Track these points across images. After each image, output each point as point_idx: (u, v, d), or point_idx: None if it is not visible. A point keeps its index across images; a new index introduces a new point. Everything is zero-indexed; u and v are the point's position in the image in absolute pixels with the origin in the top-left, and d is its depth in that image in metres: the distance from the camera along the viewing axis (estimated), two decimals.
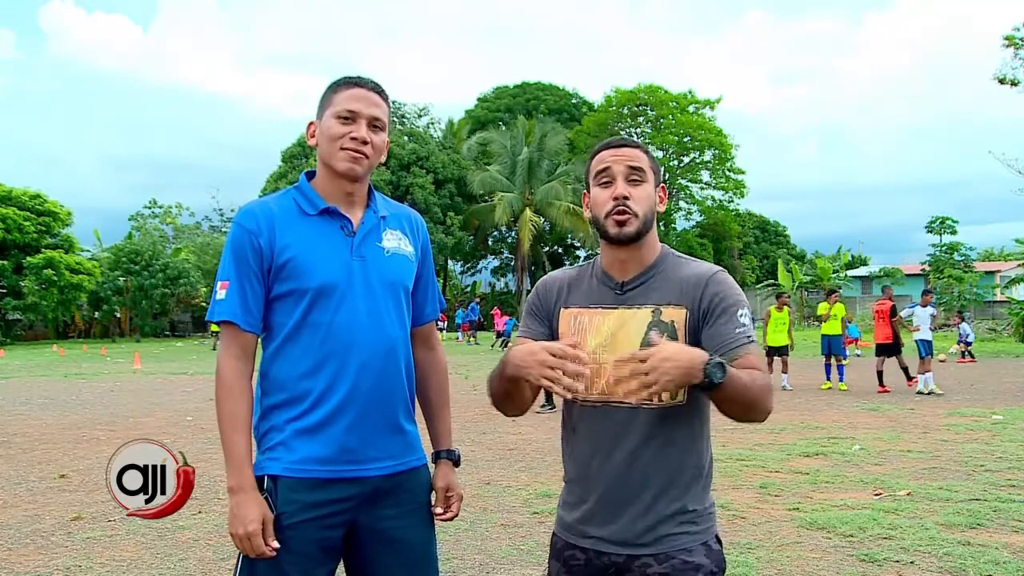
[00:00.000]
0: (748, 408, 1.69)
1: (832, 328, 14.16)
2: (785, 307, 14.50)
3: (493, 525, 5.12)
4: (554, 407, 10.41)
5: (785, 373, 14.13)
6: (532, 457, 7.54)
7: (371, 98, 1.94)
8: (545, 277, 2.00)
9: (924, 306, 13.76)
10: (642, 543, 1.77)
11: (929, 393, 12.63)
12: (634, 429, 1.78)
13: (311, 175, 2.02)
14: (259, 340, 1.95)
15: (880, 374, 13.55)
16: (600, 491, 1.80)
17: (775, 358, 14.06)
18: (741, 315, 1.78)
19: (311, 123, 1.99)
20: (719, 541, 1.84)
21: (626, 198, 1.79)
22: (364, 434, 1.89)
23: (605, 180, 1.82)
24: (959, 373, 16.83)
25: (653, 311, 1.80)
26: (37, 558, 4.56)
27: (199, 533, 4.98)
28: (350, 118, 1.91)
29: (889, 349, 13.72)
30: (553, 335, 1.89)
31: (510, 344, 2.01)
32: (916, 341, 13.31)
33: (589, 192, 1.87)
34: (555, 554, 1.90)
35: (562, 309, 1.90)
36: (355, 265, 1.92)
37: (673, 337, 1.77)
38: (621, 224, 1.79)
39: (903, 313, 13.70)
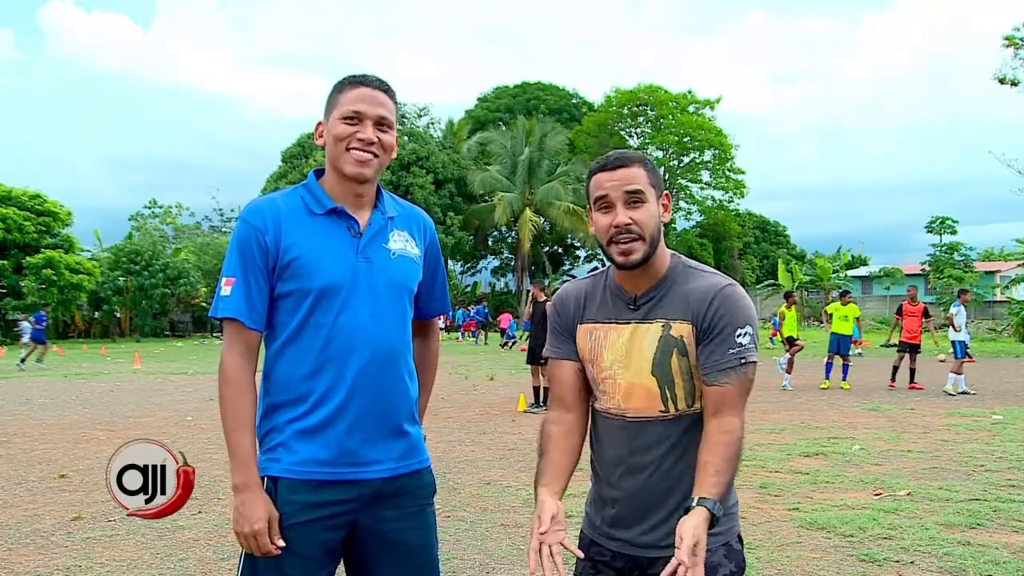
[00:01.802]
0: None
1: (843, 328, 14.26)
2: (794, 306, 15.32)
3: (493, 525, 5.12)
4: (543, 406, 10.47)
5: (788, 373, 14.14)
6: (532, 457, 7.49)
7: (377, 97, 1.92)
8: (559, 292, 2.02)
9: (963, 304, 13.85)
10: (664, 546, 1.78)
11: (961, 393, 12.64)
12: (653, 440, 1.81)
13: (320, 173, 2.00)
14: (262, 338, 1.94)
15: (912, 372, 13.91)
16: (624, 499, 1.84)
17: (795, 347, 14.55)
18: (739, 335, 1.76)
19: (319, 124, 1.98)
20: (740, 540, 1.86)
21: (628, 224, 1.77)
22: (364, 436, 1.88)
23: (604, 206, 1.81)
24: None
25: (663, 326, 1.81)
26: (37, 558, 4.55)
27: (199, 533, 4.97)
28: (356, 119, 1.90)
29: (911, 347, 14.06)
30: (573, 344, 1.93)
31: (547, 367, 2.11)
32: (954, 341, 13.35)
33: (592, 212, 1.86)
34: (581, 547, 1.93)
35: (579, 325, 1.92)
36: (360, 267, 1.91)
37: (683, 351, 1.79)
38: (626, 253, 1.78)
39: (953, 311, 13.76)
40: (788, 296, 15.81)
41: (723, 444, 1.72)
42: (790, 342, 14.59)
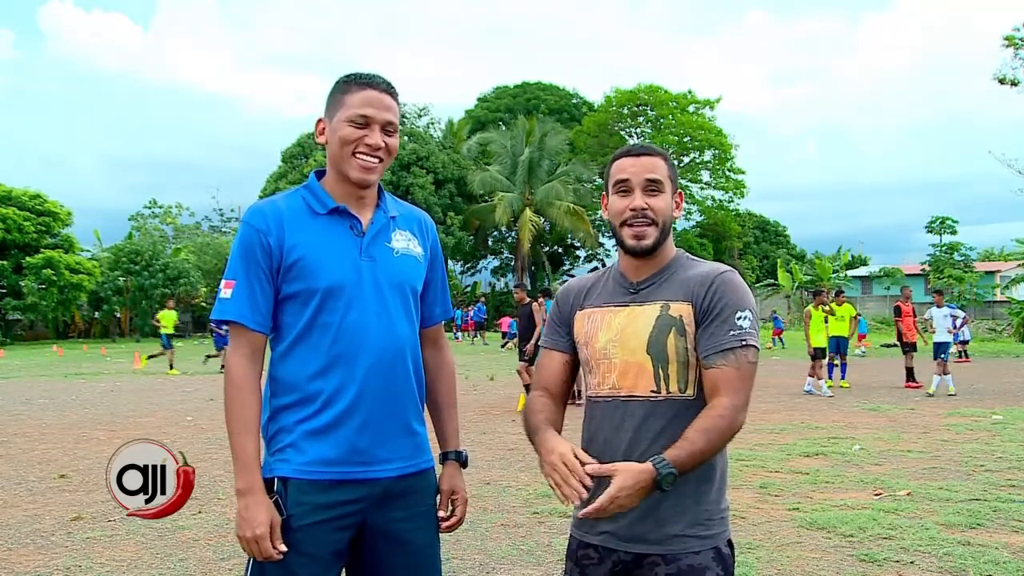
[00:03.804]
0: (711, 457, 1.75)
1: (839, 329, 14.23)
2: (822, 305, 13.86)
3: (493, 525, 5.12)
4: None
5: (819, 378, 13.32)
6: (532, 457, 7.48)
7: (384, 101, 1.91)
8: (566, 284, 2.05)
9: (939, 307, 13.75)
10: (651, 540, 1.78)
11: (952, 394, 12.59)
12: (644, 424, 1.80)
13: (320, 174, 1.99)
14: (268, 341, 1.93)
15: (909, 370, 13.86)
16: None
17: (818, 361, 13.31)
18: (739, 317, 1.78)
19: (320, 120, 1.96)
20: (731, 545, 1.85)
21: (644, 209, 1.82)
22: (374, 435, 1.88)
23: (623, 189, 1.85)
24: (959, 373, 16.81)
25: (661, 306, 1.83)
26: (37, 558, 4.55)
27: (199, 533, 4.97)
28: (364, 123, 1.88)
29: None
30: (571, 338, 1.96)
31: (537, 357, 2.12)
32: (932, 343, 13.38)
33: (608, 196, 1.90)
34: (570, 554, 1.93)
35: (577, 311, 1.95)
36: (364, 265, 1.90)
37: (682, 331, 1.80)
38: (639, 237, 1.83)
39: (926, 315, 13.76)
40: (817, 294, 14.26)
41: (703, 417, 1.72)
42: (819, 354, 13.25)
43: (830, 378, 14.22)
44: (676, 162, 45.04)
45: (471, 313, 35.95)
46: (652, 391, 1.80)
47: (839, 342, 14.23)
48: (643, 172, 1.84)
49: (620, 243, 1.87)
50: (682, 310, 1.81)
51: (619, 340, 1.84)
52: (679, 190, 1.93)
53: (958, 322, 13.71)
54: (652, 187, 1.84)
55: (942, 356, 13.03)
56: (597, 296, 1.94)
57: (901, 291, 14.99)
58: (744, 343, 1.76)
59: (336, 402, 1.85)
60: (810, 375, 13.44)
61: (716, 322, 1.78)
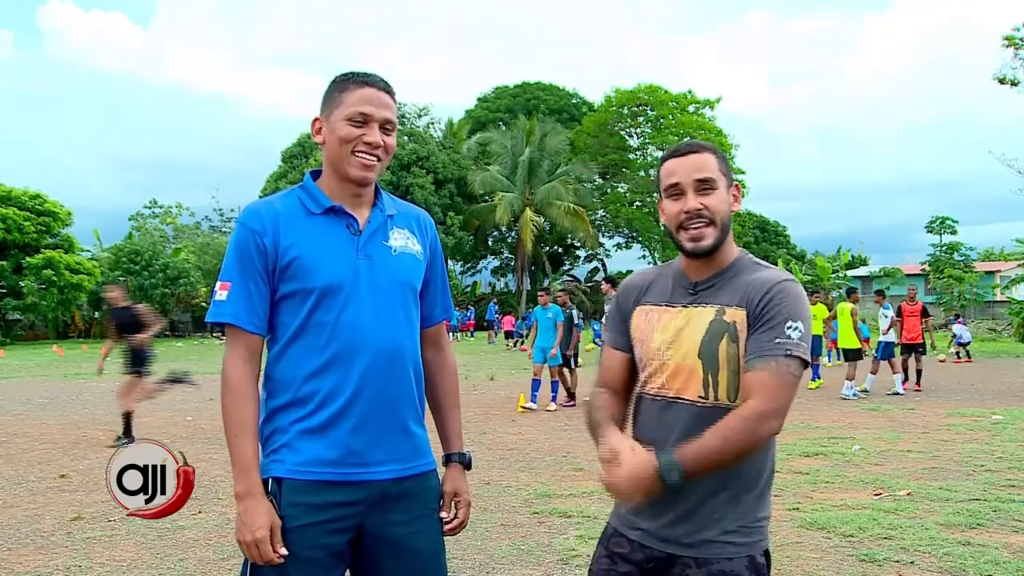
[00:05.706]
0: (733, 464, 1.71)
1: (813, 329, 14.17)
2: (856, 303, 13.48)
3: (493, 525, 5.12)
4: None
5: (873, 374, 13.05)
6: (532, 457, 7.54)
7: (382, 99, 1.89)
8: (627, 280, 2.02)
9: (880, 306, 13.69)
10: (686, 543, 1.76)
11: (862, 391, 12.61)
12: (689, 424, 1.77)
13: (316, 174, 1.97)
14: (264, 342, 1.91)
15: (919, 372, 13.74)
16: None
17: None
18: (790, 327, 1.72)
19: (316, 119, 1.94)
20: (767, 555, 1.80)
21: (699, 210, 1.77)
22: (370, 436, 1.85)
23: (675, 193, 1.81)
24: (959, 373, 16.82)
25: (717, 311, 1.80)
26: (37, 558, 4.56)
27: (199, 533, 4.98)
28: (363, 121, 1.87)
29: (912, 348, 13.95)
30: (628, 334, 1.93)
31: (599, 357, 2.11)
32: (878, 341, 13.44)
33: (661, 201, 1.86)
34: (603, 539, 1.93)
35: (636, 308, 1.92)
36: (361, 264, 1.88)
37: (734, 337, 1.76)
38: (696, 239, 1.79)
39: (880, 313, 13.77)
40: (851, 292, 14.00)
41: (725, 418, 1.69)
42: (854, 355, 12.95)
43: (819, 378, 14.19)
44: None
45: (470, 313, 35.87)
46: (700, 396, 1.77)
47: (812, 342, 14.23)
48: (692, 172, 1.78)
49: (679, 247, 1.82)
50: (736, 316, 1.77)
51: (674, 343, 1.81)
52: (734, 182, 1.86)
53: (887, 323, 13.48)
54: (704, 186, 1.77)
55: (875, 356, 13.02)
56: (657, 293, 1.90)
57: (908, 291, 14.82)
58: (788, 353, 1.71)
59: (331, 402, 1.83)
60: (858, 377, 12.93)
61: (764, 328, 1.73)
